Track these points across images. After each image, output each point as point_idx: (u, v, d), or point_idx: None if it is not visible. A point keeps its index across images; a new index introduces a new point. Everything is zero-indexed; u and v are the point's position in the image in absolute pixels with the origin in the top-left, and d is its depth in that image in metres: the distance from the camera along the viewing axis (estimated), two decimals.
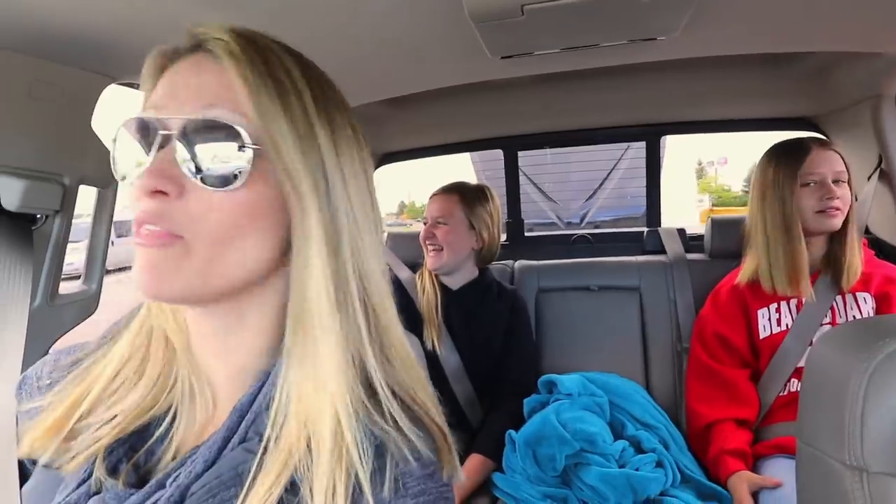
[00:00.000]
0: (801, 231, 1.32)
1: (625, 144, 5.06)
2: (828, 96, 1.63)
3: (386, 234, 1.89)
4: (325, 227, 0.45)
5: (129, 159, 0.45)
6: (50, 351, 0.58)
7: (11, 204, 0.85)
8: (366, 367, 0.47)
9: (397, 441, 0.45)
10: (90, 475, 0.46)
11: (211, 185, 0.42)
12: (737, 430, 1.33)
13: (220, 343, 0.49)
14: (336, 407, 0.44)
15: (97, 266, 1.08)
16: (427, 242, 1.58)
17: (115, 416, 0.47)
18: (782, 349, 1.34)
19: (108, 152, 1.02)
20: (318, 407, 0.44)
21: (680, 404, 1.61)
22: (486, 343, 1.56)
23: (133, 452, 0.47)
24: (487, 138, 2.08)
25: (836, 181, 1.32)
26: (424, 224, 1.60)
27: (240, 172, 0.43)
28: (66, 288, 1.04)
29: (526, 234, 2.21)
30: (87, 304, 1.07)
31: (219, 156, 0.42)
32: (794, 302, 1.37)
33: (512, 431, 1.40)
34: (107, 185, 1.05)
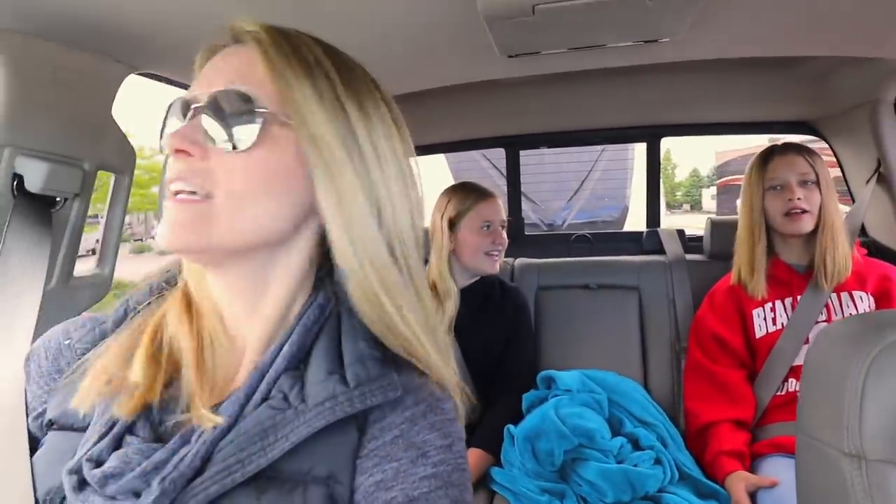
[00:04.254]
0: (765, 232, 1.42)
1: (600, 147, 5.10)
2: (827, 100, 1.66)
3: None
4: (361, 186, 0.49)
5: (168, 133, 0.49)
6: (60, 326, 0.60)
7: (34, 185, 0.87)
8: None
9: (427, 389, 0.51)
10: (110, 430, 0.47)
11: (227, 148, 0.47)
12: (734, 431, 1.35)
13: (248, 306, 0.52)
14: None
15: (111, 249, 1.10)
16: (499, 246, 1.57)
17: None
18: (777, 348, 1.37)
19: (126, 139, 1.05)
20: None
21: (678, 403, 1.63)
22: (490, 341, 1.58)
23: (152, 410, 0.49)
24: (490, 137, 2.11)
25: (802, 183, 1.37)
26: (486, 228, 1.56)
27: (253, 137, 0.47)
28: (80, 270, 1.06)
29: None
30: (100, 287, 1.09)
31: (235, 120, 0.47)
32: (788, 301, 1.40)
33: (511, 426, 1.41)
34: (124, 171, 1.08)
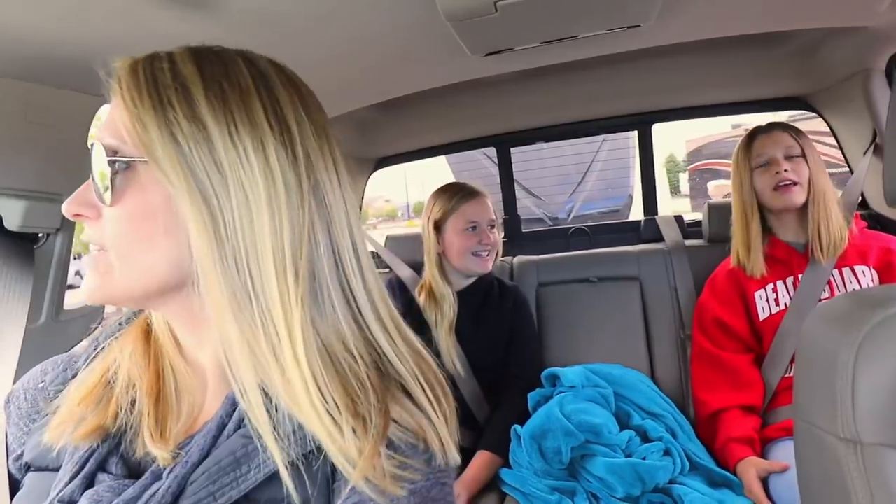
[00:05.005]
0: (757, 211, 1.42)
1: (601, 137, 5.04)
2: (818, 74, 1.63)
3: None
4: (199, 211, 0.45)
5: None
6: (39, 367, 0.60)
7: (13, 224, 0.88)
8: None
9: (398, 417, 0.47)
10: (82, 469, 0.48)
11: (103, 203, 0.47)
12: (743, 417, 1.33)
13: (195, 338, 0.52)
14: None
15: None
16: (486, 246, 1.54)
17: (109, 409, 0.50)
18: (782, 329, 1.34)
19: None
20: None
21: (686, 392, 1.60)
22: (492, 341, 1.57)
23: (121, 446, 0.49)
24: (480, 137, 2.10)
25: (788, 157, 1.37)
26: (472, 230, 1.53)
27: (113, 186, 0.46)
28: (70, 303, 1.07)
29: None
30: (91, 318, 1.10)
31: (103, 176, 0.46)
32: (790, 280, 1.37)
33: (517, 426, 1.40)
34: None
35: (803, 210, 1.37)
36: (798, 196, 1.35)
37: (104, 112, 1.04)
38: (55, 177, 0.96)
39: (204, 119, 0.45)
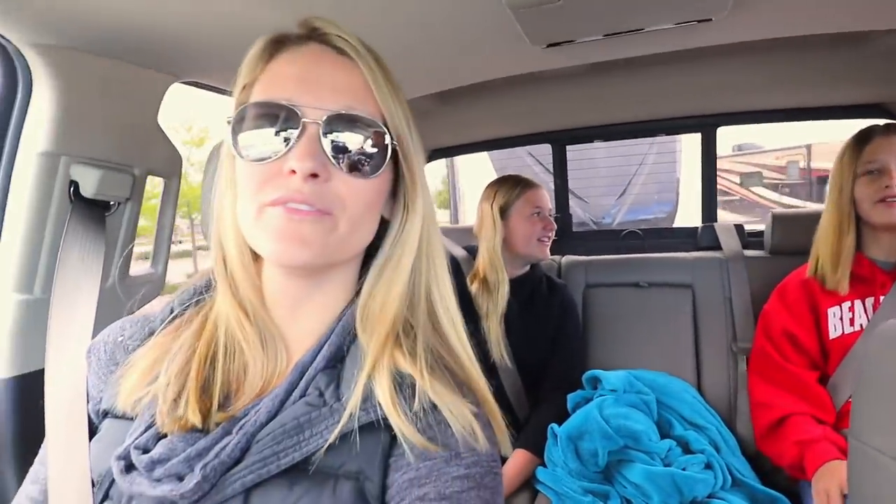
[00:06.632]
0: (854, 222, 1.27)
1: (650, 140, 4.84)
2: None
3: None
4: (425, 205, 0.56)
5: (264, 142, 0.50)
6: (119, 322, 0.64)
7: (89, 191, 0.94)
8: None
9: (453, 405, 0.49)
10: (156, 420, 0.50)
11: (353, 174, 0.50)
12: (818, 424, 1.22)
13: (299, 307, 0.56)
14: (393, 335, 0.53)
15: (163, 249, 1.17)
16: (549, 232, 1.60)
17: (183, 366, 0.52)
18: (854, 351, 1.24)
19: (173, 146, 1.10)
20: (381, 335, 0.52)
21: (734, 406, 1.53)
22: (537, 336, 1.56)
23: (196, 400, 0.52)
24: (535, 133, 2.07)
25: None
26: (537, 215, 1.59)
27: (381, 165, 0.51)
28: (135, 270, 1.13)
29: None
30: (154, 284, 1.16)
31: (364, 148, 0.50)
32: (870, 301, 1.26)
33: (554, 425, 1.39)
34: (171, 175, 1.14)
35: None
36: None
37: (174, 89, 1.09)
38: (128, 149, 1.02)
39: (410, 119, 0.55)
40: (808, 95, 1.73)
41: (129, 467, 0.49)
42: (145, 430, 0.50)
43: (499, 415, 0.54)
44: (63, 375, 0.71)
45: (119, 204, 1.03)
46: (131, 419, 0.53)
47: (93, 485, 0.54)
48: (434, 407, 0.49)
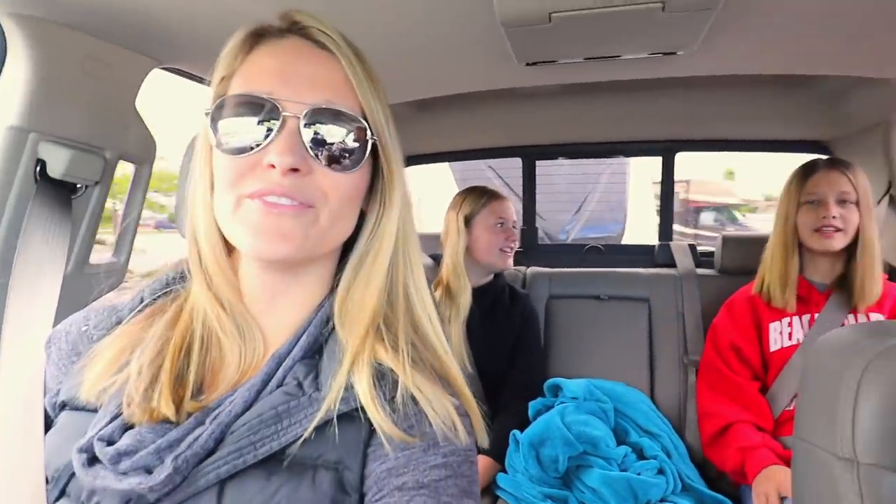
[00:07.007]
0: (797, 246, 1.39)
1: (605, 161, 5.09)
2: (840, 121, 1.67)
3: None
4: (402, 199, 0.56)
5: (243, 134, 0.49)
6: (82, 312, 0.61)
7: (56, 171, 0.89)
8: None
9: (433, 397, 0.50)
10: (123, 411, 0.48)
11: (333, 167, 0.50)
12: (757, 431, 1.32)
13: (277, 300, 0.55)
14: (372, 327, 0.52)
15: (128, 239, 1.12)
16: (512, 243, 1.63)
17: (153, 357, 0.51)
18: (791, 363, 1.35)
19: (148, 131, 1.06)
20: (360, 328, 0.51)
21: (684, 415, 1.62)
22: (499, 344, 1.59)
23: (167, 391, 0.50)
24: (508, 146, 2.13)
25: (841, 202, 1.33)
26: (500, 226, 1.62)
27: (361, 159, 0.51)
28: (95, 258, 1.08)
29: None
30: (115, 275, 1.11)
31: (344, 142, 0.50)
32: (806, 318, 1.38)
33: (516, 431, 1.42)
34: (144, 161, 1.10)
35: (837, 254, 1.36)
36: (838, 242, 1.33)
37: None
38: (101, 130, 0.97)
39: (389, 115, 0.55)
40: (759, 129, 1.87)
41: (93, 460, 0.46)
42: (110, 421, 0.48)
43: (475, 406, 0.55)
44: (19, 365, 0.66)
45: (87, 187, 0.98)
46: (94, 411, 0.51)
47: (47, 481, 0.51)
48: (414, 399, 0.49)
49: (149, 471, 0.45)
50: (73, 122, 0.92)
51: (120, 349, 0.52)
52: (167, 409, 0.47)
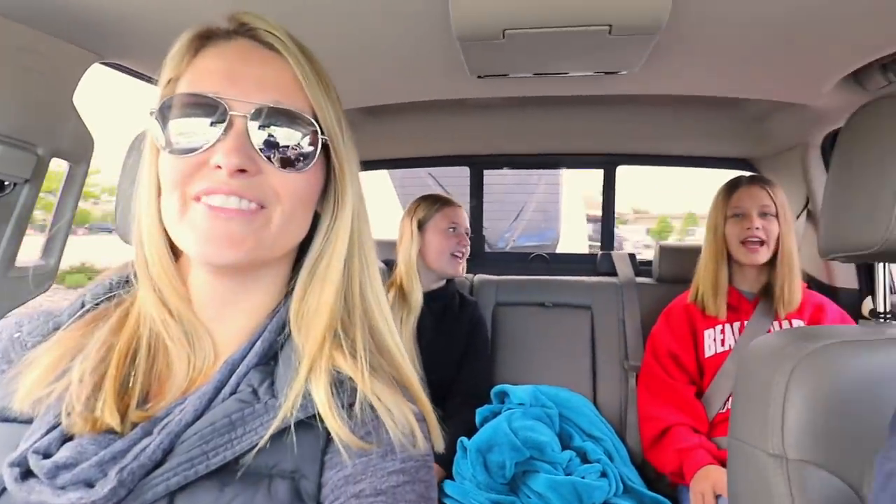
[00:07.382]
0: (727, 257, 1.50)
1: (538, 172, 5.29)
2: (763, 141, 1.80)
3: None
4: (355, 199, 0.55)
5: (190, 135, 0.48)
6: (12, 318, 0.57)
7: None
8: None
9: (392, 404, 0.50)
10: (61, 421, 0.46)
11: (284, 167, 0.49)
12: (695, 433, 1.39)
13: (228, 307, 0.54)
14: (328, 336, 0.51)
15: (59, 240, 1.06)
16: (463, 248, 1.66)
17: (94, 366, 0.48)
18: (724, 368, 1.44)
19: (86, 128, 1.02)
20: (316, 335, 0.50)
21: (625, 419, 1.68)
22: (447, 350, 1.60)
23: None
24: (455, 155, 2.16)
25: (762, 215, 1.45)
26: (452, 231, 1.64)
27: (312, 158, 0.51)
28: (22, 260, 1.01)
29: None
30: (43, 279, 1.04)
31: (294, 141, 0.49)
32: (737, 325, 1.48)
33: (464, 438, 1.43)
34: (79, 160, 1.04)
35: (763, 266, 1.47)
36: (762, 256, 1.44)
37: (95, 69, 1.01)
38: (34, 126, 0.92)
39: (341, 115, 0.55)
40: (692, 146, 1.99)
41: (27, 474, 0.43)
42: (47, 432, 0.45)
43: (432, 411, 0.55)
44: None
45: (16, 185, 0.92)
46: (27, 422, 0.47)
47: None
48: (372, 406, 0.49)
49: (90, 485, 0.42)
50: (4, 114, 0.87)
51: (58, 356, 0.49)
52: (111, 419, 0.45)
